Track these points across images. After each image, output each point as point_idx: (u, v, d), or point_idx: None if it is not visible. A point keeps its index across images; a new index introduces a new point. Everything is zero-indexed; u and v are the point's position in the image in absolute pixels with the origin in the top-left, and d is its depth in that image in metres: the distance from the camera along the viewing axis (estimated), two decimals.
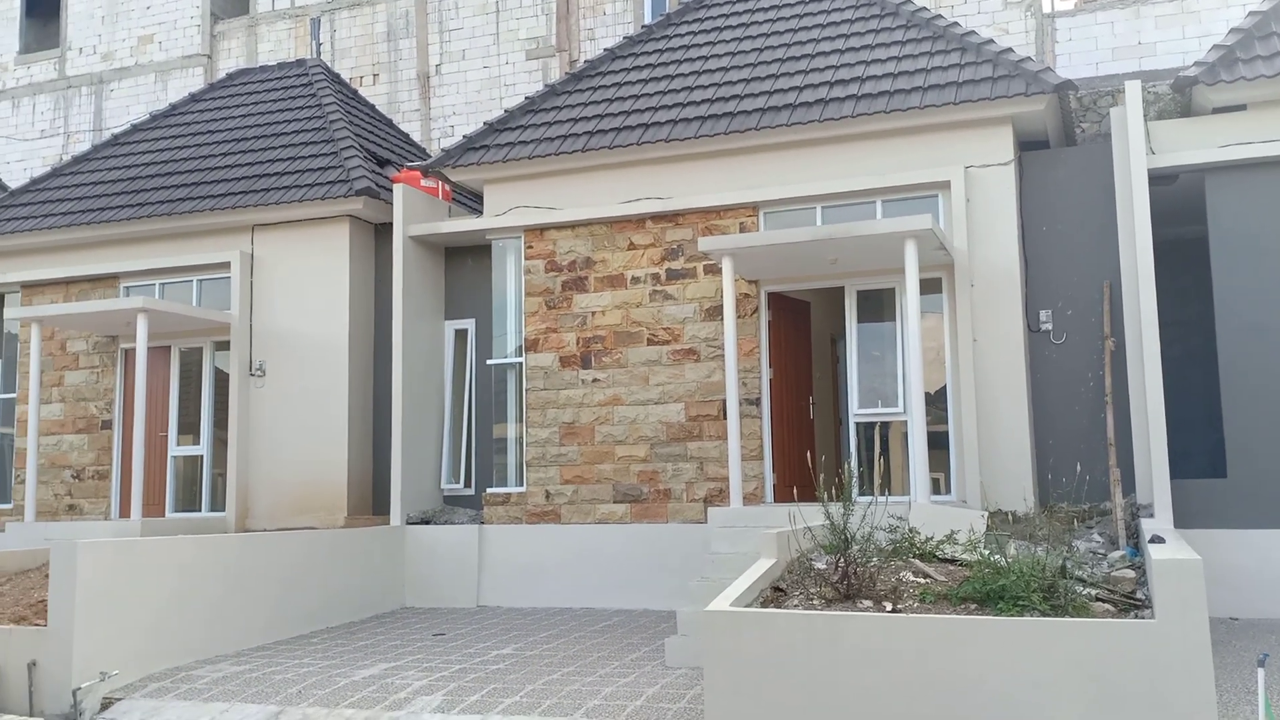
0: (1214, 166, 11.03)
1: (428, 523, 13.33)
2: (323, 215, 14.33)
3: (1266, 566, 10.24)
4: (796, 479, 11.84)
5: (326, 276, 14.23)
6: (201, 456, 14.64)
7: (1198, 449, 11.45)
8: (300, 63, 18.16)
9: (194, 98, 17.94)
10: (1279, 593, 10.17)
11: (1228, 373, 10.74)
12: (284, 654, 10.17)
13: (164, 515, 14.44)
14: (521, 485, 13.17)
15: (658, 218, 12.93)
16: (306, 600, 11.44)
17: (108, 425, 14.98)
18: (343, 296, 14.11)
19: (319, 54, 20.22)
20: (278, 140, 15.86)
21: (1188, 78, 11.22)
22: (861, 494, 9.28)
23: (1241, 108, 11.13)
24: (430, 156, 17.22)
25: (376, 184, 14.32)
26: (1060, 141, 12.80)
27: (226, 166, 15.55)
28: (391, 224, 14.02)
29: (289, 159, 15.27)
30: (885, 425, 11.97)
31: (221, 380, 14.65)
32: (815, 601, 7.60)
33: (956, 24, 13.27)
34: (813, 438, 12.95)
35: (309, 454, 13.87)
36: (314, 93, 16.87)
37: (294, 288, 14.36)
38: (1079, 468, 10.39)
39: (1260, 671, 6.02)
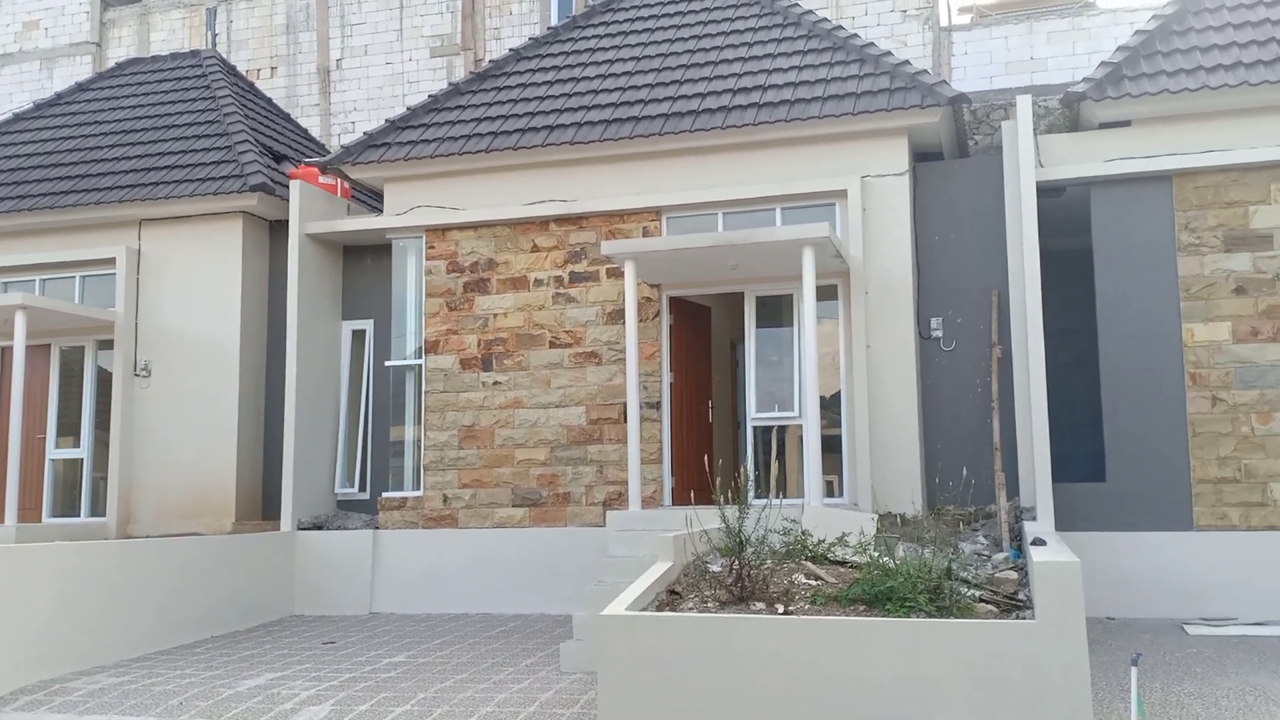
0: (1099, 180, 11.40)
1: (320, 528, 13.03)
2: (215, 211, 13.95)
3: (1142, 567, 10.62)
4: (695, 482, 11.93)
5: (218, 274, 13.85)
6: (82, 459, 14.11)
7: (1080, 454, 11.81)
8: (194, 53, 17.67)
9: (81, 87, 17.32)
10: (1153, 593, 10.57)
11: (1109, 381, 11.11)
12: (166, 664, 9.85)
13: (41, 520, 13.89)
14: (419, 489, 12.99)
15: (561, 220, 12.88)
16: (191, 608, 11.10)
17: None
18: (235, 295, 13.75)
19: (214, 45, 19.71)
20: (169, 133, 15.38)
21: (1076, 93, 11.59)
22: (757, 497, 9.35)
23: (1126, 124, 11.52)
24: (330, 153, 16.89)
25: (272, 180, 13.99)
26: (954, 153, 13.11)
27: (114, 159, 15.03)
28: (287, 221, 13.71)
29: (180, 152, 14.83)
30: (782, 429, 12.10)
31: (104, 380, 14.15)
32: (710, 604, 7.63)
33: (856, 35, 13.50)
34: (711, 441, 13.05)
35: (196, 457, 13.47)
36: (208, 84, 16.41)
37: (183, 286, 13.94)
38: (965, 472, 10.64)
39: (1134, 670, 6.23)
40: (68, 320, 13.64)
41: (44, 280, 14.49)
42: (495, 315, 12.96)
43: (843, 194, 12.00)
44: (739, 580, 7.71)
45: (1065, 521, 10.55)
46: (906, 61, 12.68)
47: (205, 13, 20.75)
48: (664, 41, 14.40)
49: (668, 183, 12.60)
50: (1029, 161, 11.23)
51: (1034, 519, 10.38)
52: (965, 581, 7.73)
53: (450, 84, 15.88)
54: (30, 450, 13.89)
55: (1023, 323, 11.17)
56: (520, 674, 8.94)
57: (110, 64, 20.59)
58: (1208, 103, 11.13)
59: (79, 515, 13.97)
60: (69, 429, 14.26)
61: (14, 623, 9.11)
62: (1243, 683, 7.84)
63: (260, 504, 13.68)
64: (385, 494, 13.09)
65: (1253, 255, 10.89)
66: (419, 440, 13.11)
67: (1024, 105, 11.41)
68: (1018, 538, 9.79)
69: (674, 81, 13.38)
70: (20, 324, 12.82)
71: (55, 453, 14.19)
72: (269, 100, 17.93)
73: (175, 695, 8.55)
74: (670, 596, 7.95)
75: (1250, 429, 10.69)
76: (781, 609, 7.40)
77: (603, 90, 13.57)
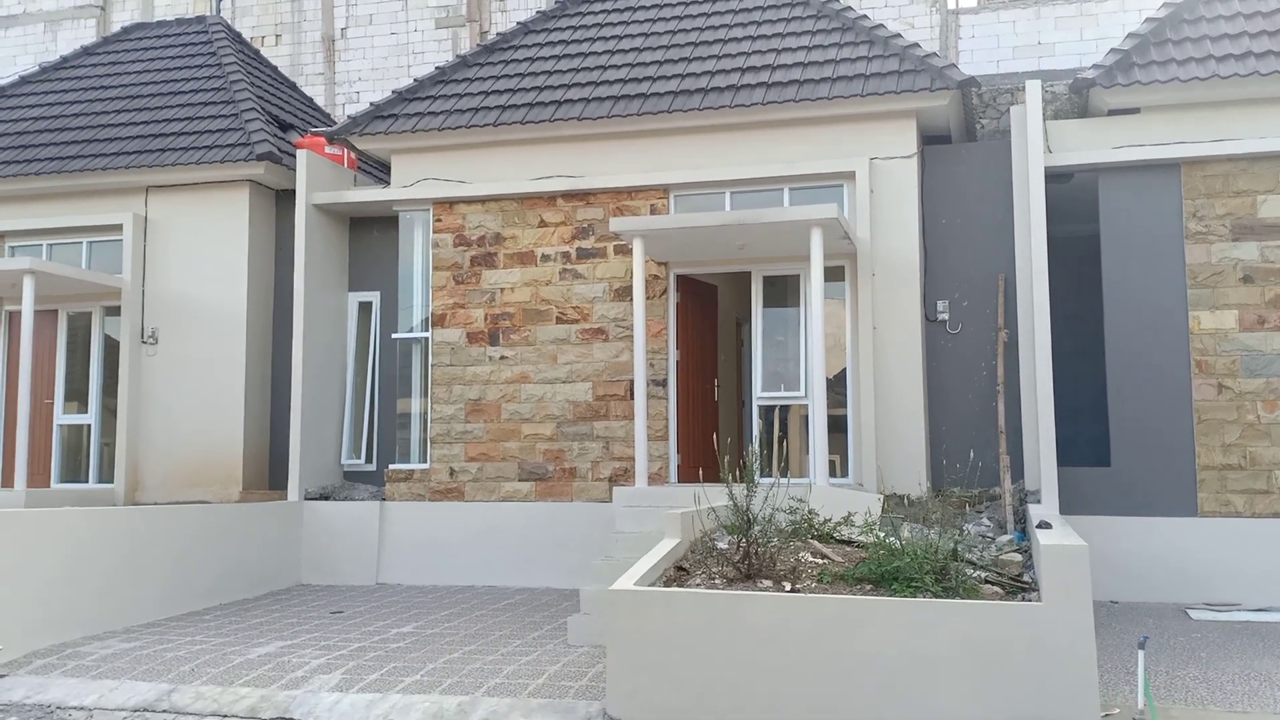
0: (1107, 167, 11.44)
1: (327, 498, 13.11)
2: (221, 179, 13.92)
3: (1146, 552, 10.74)
4: (701, 460, 12.03)
5: (225, 242, 13.84)
6: (89, 425, 14.15)
7: (1084, 438, 11.92)
8: (200, 19, 17.57)
9: (86, 51, 17.22)
10: (1157, 577, 10.69)
11: (1114, 366, 11.20)
12: (176, 631, 9.94)
13: (49, 486, 13.94)
14: (425, 462, 13.05)
15: (569, 196, 12.90)
16: (200, 576, 11.18)
17: None
18: (241, 264, 13.75)
19: (219, 11, 19.55)
20: (175, 99, 15.32)
21: (1085, 80, 11.60)
22: (763, 476, 9.44)
23: (1135, 111, 11.55)
24: (334, 122, 16.86)
25: (279, 149, 13.97)
26: (961, 137, 13.13)
27: (120, 124, 14.98)
28: (294, 191, 13.70)
29: (186, 119, 14.78)
30: (786, 408, 12.18)
31: (111, 347, 14.16)
32: (717, 581, 7.72)
33: (865, 17, 13.45)
34: (717, 419, 13.13)
35: (203, 425, 13.52)
36: (214, 51, 16.34)
37: (190, 253, 13.94)
38: (971, 454, 10.72)
39: (1140, 653, 6.33)
40: (75, 286, 13.64)
41: (51, 245, 14.48)
42: (502, 290, 12.99)
43: (851, 175, 12.03)
44: (746, 558, 7.81)
45: (1069, 505, 10.66)
46: (915, 44, 12.66)
47: None
48: (672, 19, 14.37)
49: (676, 161, 12.62)
50: (1038, 147, 11.26)
51: (1038, 502, 10.49)
52: (971, 563, 7.84)
53: (457, 56, 15.83)
54: (38, 415, 13.93)
55: (1029, 307, 11.23)
56: (528, 646, 9.04)
57: (114, 28, 20.49)
58: (1217, 92, 11.17)
59: (87, 481, 14.04)
60: (76, 395, 14.29)
61: (26, 587, 9.19)
62: (1247, 668, 7.96)
63: (267, 473, 13.74)
64: (392, 466, 13.16)
65: (1260, 245, 10.96)
66: (426, 413, 13.17)
67: (1034, 90, 11.42)
68: (1022, 520, 9.91)
69: (682, 59, 13.36)
70: (28, 289, 12.82)
71: (63, 418, 14.22)
72: (274, 68, 17.85)
73: (187, 661, 8.64)
74: (678, 573, 8.04)
75: (1256, 417, 10.80)
76: (789, 587, 7.49)
77: (610, 66, 13.55)
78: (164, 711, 7.70)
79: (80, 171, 14.15)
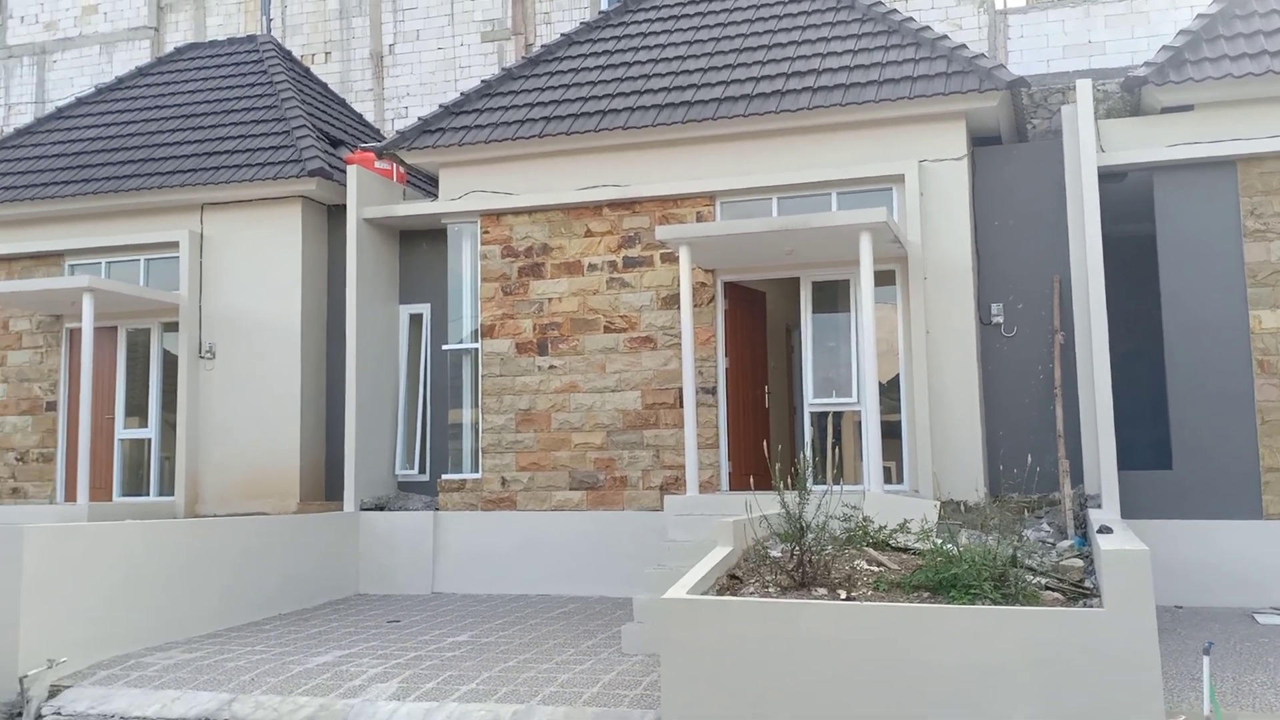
0: (1162, 165, 11.26)
1: (382, 509, 13.24)
2: (274, 195, 14.13)
3: (1209, 556, 10.54)
4: (752, 468, 11.98)
5: (278, 258, 14.04)
6: (149, 440, 14.40)
7: (1143, 441, 11.71)
8: (251, 38, 17.86)
9: (141, 71, 17.58)
10: (1222, 582, 10.49)
11: (1174, 368, 11.00)
12: (236, 641, 10.08)
13: (111, 499, 14.20)
14: (477, 472, 13.14)
15: (615, 205, 12.93)
16: (259, 587, 11.32)
17: (52, 407, 14.66)
18: (295, 278, 13.94)
19: (269, 30, 19.90)
20: (228, 118, 15.58)
21: (1137, 78, 11.43)
22: (816, 483, 9.36)
23: (1189, 108, 11.36)
24: (384, 137, 17.05)
25: (329, 165, 14.14)
26: (1012, 137, 12.98)
27: (175, 143, 15.25)
28: (344, 205, 13.86)
29: (239, 137, 15.03)
30: (838, 415, 12.10)
31: (170, 362, 14.42)
32: (771, 589, 7.67)
33: (911, 19, 13.36)
34: (768, 427, 13.07)
35: (260, 438, 13.70)
36: (265, 70, 16.61)
37: (245, 269, 14.15)
38: (1029, 459, 10.57)
39: (1205, 659, 6.20)
40: (133, 303, 13.90)
41: (109, 263, 14.77)
42: (550, 300, 13.05)
43: (900, 179, 11.94)
44: (800, 566, 7.74)
45: (1130, 509, 10.48)
46: (963, 45, 12.55)
47: None
48: (716, 25, 14.36)
49: (722, 168, 12.60)
50: (1090, 146, 11.11)
51: (1099, 506, 10.32)
52: (1031, 569, 7.72)
53: (503, 69, 15.93)
54: (100, 430, 14.21)
55: (1085, 309, 11.07)
56: (582, 655, 9.06)
57: (168, 48, 20.88)
58: (1272, 87, 10.96)
59: (148, 494, 14.28)
60: (136, 410, 14.57)
61: (89, 599, 9.36)
62: None
63: (323, 484, 13.90)
64: (445, 476, 13.25)
65: None
66: (477, 423, 13.25)
67: (1084, 89, 11.28)
68: (1082, 525, 9.75)
69: (727, 66, 13.35)
70: (88, 306, 13.08)
71: (124, 433, 14.50)
72: (324, 85, 18.10)
73: (247, 671, 8.76)
74: (731, 581, 8.00)
75: None
76: (844, 595, 7.43)
77: (655, 75, 13.57)
78: None
79: (137, 190, 14.44)
